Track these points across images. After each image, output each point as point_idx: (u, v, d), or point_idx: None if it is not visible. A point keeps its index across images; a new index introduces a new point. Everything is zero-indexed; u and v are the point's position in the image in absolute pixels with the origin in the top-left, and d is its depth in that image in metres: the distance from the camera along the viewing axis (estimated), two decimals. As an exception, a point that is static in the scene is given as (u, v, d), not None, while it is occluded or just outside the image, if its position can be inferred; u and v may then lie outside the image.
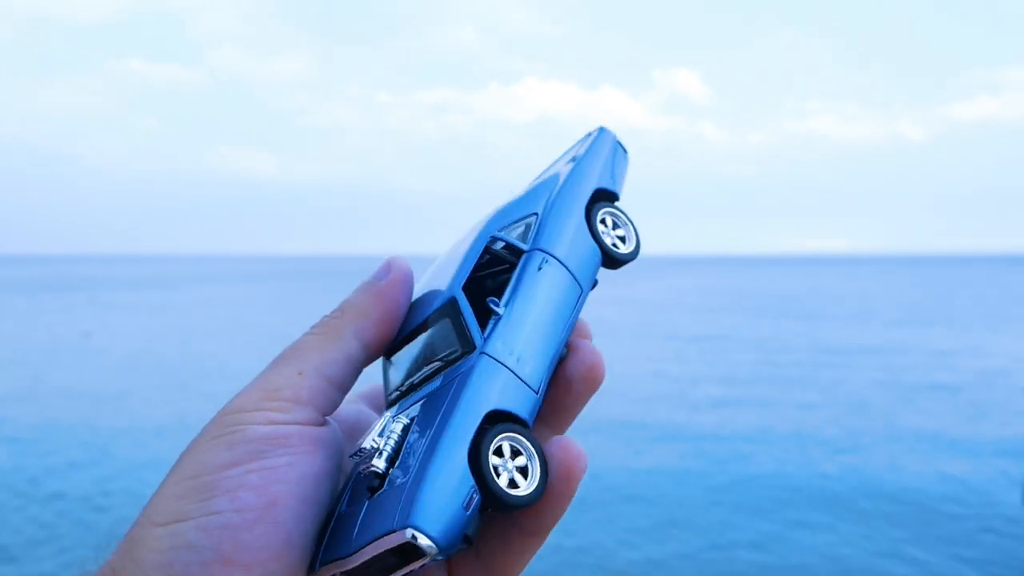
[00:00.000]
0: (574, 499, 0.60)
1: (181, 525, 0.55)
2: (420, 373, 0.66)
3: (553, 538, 0.63)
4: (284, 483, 0.57)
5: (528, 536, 0.61)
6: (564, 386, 0.66)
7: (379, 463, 0.59)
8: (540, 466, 0.59)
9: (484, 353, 0.62)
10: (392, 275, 0.67)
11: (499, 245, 0.68)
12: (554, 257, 0.67)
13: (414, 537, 0.53)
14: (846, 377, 16.08)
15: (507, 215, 0.70)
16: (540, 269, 0.66)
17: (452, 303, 0.65)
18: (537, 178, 0.77)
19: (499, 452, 0.58)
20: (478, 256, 0.67)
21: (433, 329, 0.66)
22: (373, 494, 0.59)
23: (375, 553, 0.55)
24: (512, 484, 0.57)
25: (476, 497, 0.56)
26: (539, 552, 0.63)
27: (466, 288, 0.66)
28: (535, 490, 0.58)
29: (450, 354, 0.64)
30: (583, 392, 0.66)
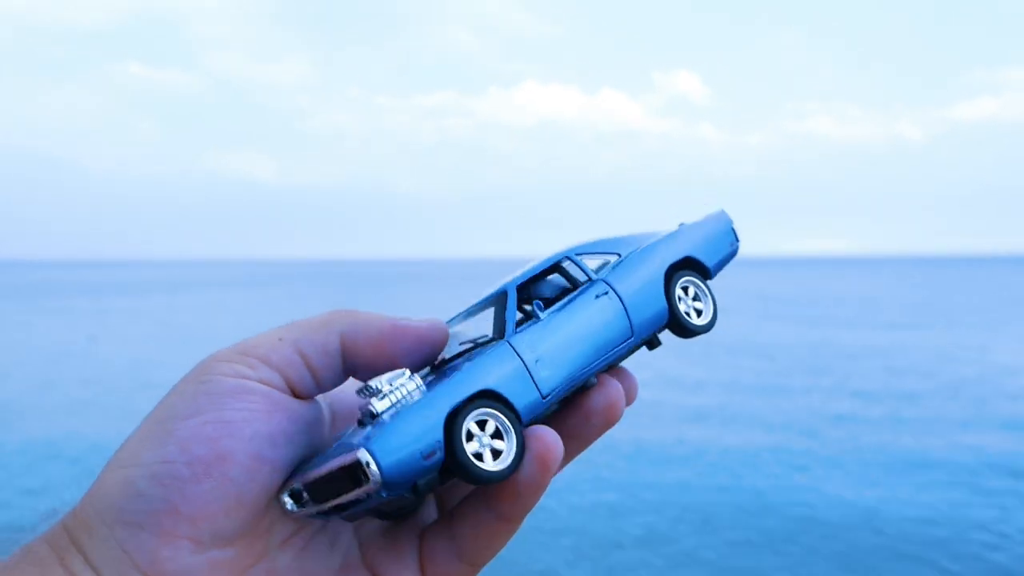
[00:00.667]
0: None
1: (135, 471, 0.57)
2: (455, 350, 0.70)
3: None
4: (236, 439, 0.58)
5: (501, 521, 0.63)
6: (584, 415, 0.68)
7: (377, 403, 0.61)
8: (515, 453, 0.61)
9: (508, 342, 0.66)
10: (420, 322, 0.66)
11: (570, 267, 0.72)
12: (616, 293, 0.70)
13: (367, 463, 0.56)
14: (848, 380, 16.07)
15: (593, 247, 0.75)
16: (597, 297, 0.70)
17: (502, 295, 0.69)
18: (635, 233, 0.80)
19: (481, 427, 0.61)
20: (546, 267, 0.72)
21: (463, 327, 0.71)
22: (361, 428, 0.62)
23: (330, 469, 0.58)
24: (480, 457, 0.60)
25: (440, 454, 0.59)
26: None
27: (523, 289, 0.71)
28: (501, 470, 0.60)
29: (482, 338, 0.68)
30: (599, 425, 0.68)
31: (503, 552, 0.65)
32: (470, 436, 0.60)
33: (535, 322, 0.67)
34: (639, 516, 7.83)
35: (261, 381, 0.61)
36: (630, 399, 0.70)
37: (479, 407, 0.61)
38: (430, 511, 0.70)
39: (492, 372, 0.63)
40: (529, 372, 0.65)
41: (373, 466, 0.56)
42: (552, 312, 0.68)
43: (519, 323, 0.69)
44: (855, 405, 13.24)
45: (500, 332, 0.67)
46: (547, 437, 0.61)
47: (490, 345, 0.66)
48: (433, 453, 0.59)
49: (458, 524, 0.64)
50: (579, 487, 8.43)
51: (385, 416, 0.60)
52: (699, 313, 0.74)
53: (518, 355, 0.65)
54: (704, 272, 0.76)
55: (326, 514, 0.61)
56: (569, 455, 0.68)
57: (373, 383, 0.62)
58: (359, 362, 0.65)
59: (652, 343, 0.73)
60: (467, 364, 0.64)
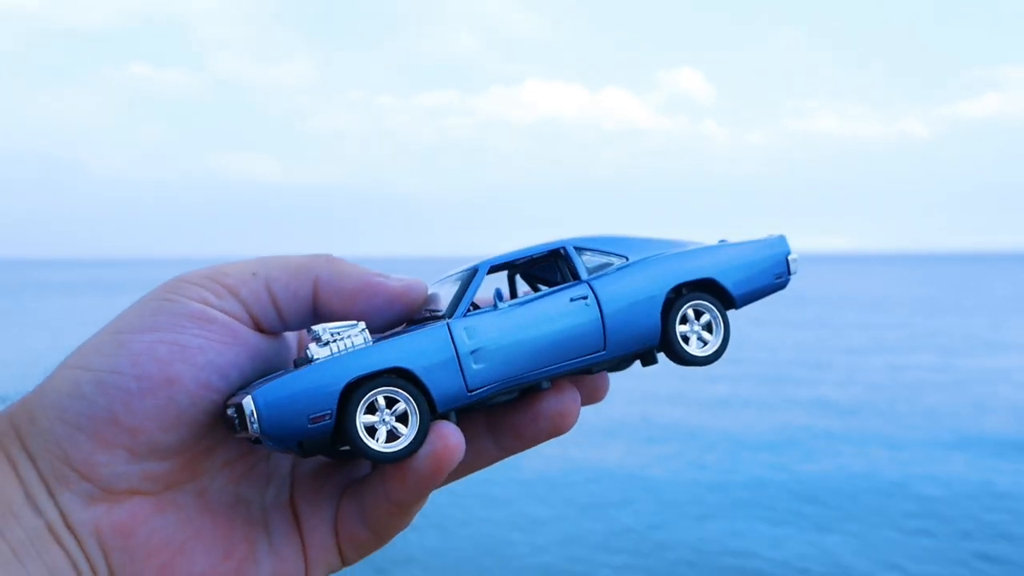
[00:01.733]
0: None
1: (83, 374, 0.58)
2: (417, 321, 0.67)
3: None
4: (188, 364, 0.59)
5: (393, 504, 0.62)
6: (532, 416, 0.65)
7: (315, 349, 0.60)
8: (412, 440, 0.59)
9: (447, 324, 0.62)
10: (398, 283, 0.64)
11: (563, 259, 0.67)
12: (596, 299, 0.65)
13: (248, 407, 0.57)
14: (856, 375, 16.06)
15: (598, 243, 0.68)
16: (572, 300, 0.64)
17: (472, 272, 0.66)
18: (683, 240, 0.74)
19: (390, 405, 0.60)
20: (533, 254, 0.67)
21: (453, 288, 0.67)
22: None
23: (228, 403, 0.59)
24: (373, 433, 0.59)
25: (329, 420, 0.58)
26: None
27: (513, 272, 0.69)
28: (389, 452, 0.59)
29: (435, 313, 0.65)
30: (545, 429, 0.65)
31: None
32: (373, 408, 0.59)
33: (490, 310, 0.64)
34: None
35: (224, 311, 0.61)
36: (594, 399, 0.68)
37: (387, 384, 0.59)
38: (366, 465, 0.69)
39: (415, 351, 0.60)
40: (460, 361, 0.61)
41: (255, 415, 0.57)
42: (513, 305, 0.64)
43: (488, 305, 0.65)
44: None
45: (450, 312, 0.63)
46: (451, 437, 0.60)
47: (434, 322, 0.63)
48: (322, 418, 0.58)
49: (367, 491, 0.64)
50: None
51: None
52: (703, 343, 0.68)
53: (452, 341, 0.61)
54: (727, 300, 0.69)
55: (256, 441, 0.60)
56: (508, 451, 0.67)
57: (317, 328, 0.61)
58: (328, 311, 0.64)
59: (646, 359, 0.68)
60: (404, 335, 0.62)
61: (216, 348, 0.60)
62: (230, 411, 0.60)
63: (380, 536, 0.65)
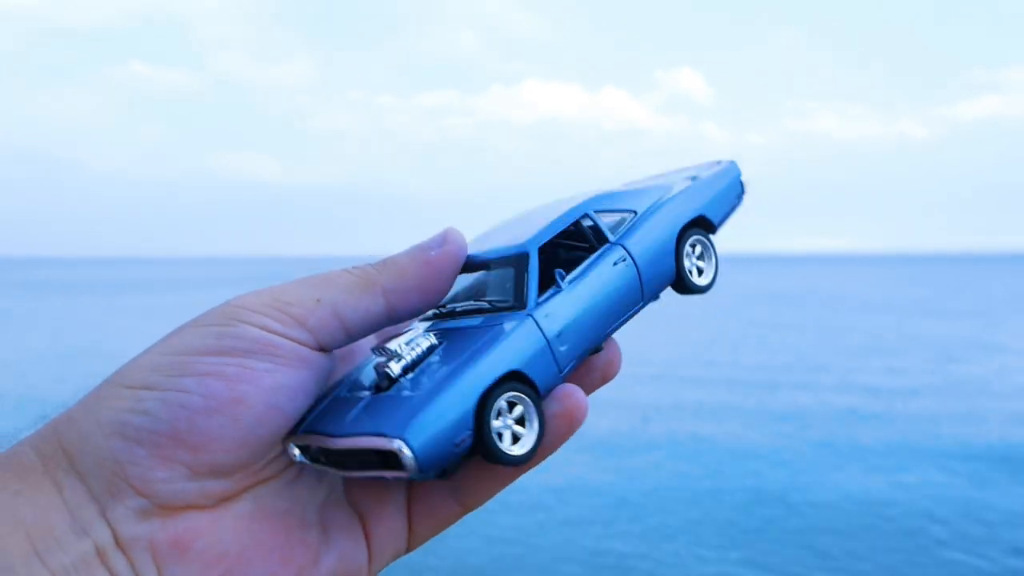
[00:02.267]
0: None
1: (146, 392, 0.56)
2: (465, 304, 0.68)
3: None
4: (256, 386, 0.57)
5: (503, 472, 0.64)
6: (584, 369, 0.69)
7: (395, 367, 0.61)
8: (537, 434, 0.61)
9: (531, 316, 0.63)
10: (447, 247, 0.64)
11: (588, 224, 0.69)
12: (633, 260, 0.69)
13: (401, 450, 0.55)
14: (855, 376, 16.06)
15: (608, 201, 0.72)
16: (615, 264, 0.68)
17: (523, 257, 0.66)
18: (648, 179, 0.80)
19: (509, 408, 0.61)
20: (566, 225, 0.69)
21: (496, 272, 0.67)
22: (378, 392, 0.61)
23: (360, 447, 0.58)
24: (501, 437, 0.60)
25: (469, 441, 0.58)
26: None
27: (541, 250, 0.67)
28: (525, 454, 0.60)
29: (501, 302, 0.66)
30: (596, 380, 0.70)
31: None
32: (498, 415, 0.60)
33: (556, 291, 0.65)
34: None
35: (291, 339, 0.59)
36: (609, 376, 0.71)
37: (508, 391, 0.60)
38: None
39: (519, 352, 0.61)
40: (551, 349, 0.63)
41: (408, 457, 0.55)
42: (572, 281, 0.66)
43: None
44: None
45: (521, 301, 0.64)
46: (575, 393, 0.63)
47: (509, 313, 0.64)
48: (463, 442, 0.58)
49: (469, 463, 0.63)
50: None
51: (405, 384, 0.60)
52: (701, 272, 0.74)
53: (542, 332, 0.63)
54: (711, 228, 0.76)
55: (322, 467, 0.61)
56: None
57: (391, 346, 0.61)
58: (400, 313, 0.64)
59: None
60: (490, 336, 0.62)
61: (284, 371, 0.59)
62: (294, 449, 0.60)
63: (469, 506, 0.66)
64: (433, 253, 0.64)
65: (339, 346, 0.63)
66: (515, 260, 0.66)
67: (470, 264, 0.67)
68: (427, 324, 0.68)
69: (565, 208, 0.70)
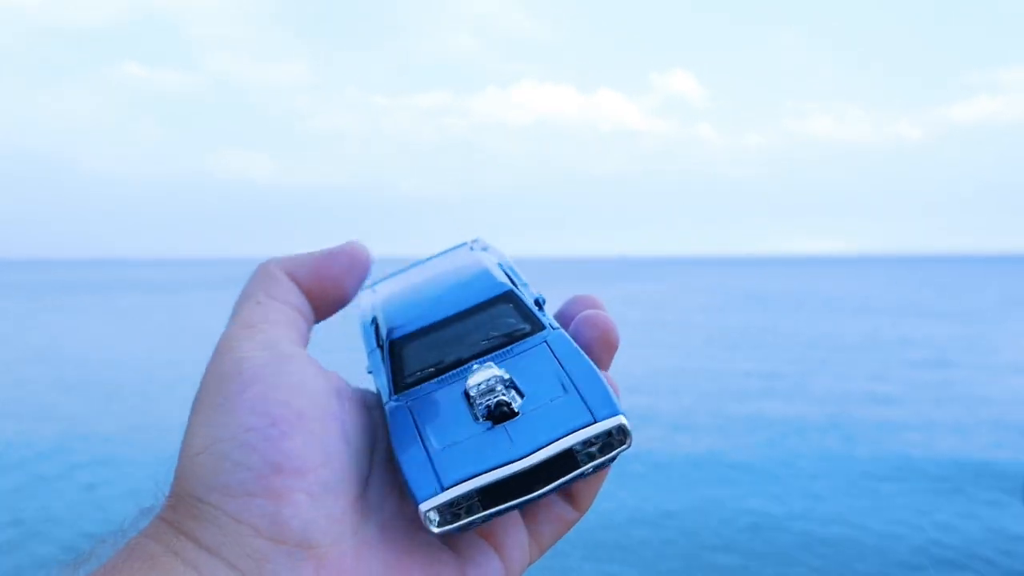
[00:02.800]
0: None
1: (220, 447, 0.55)
2: (474, 348, 0.67)
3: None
4: (305, 396, 0.58)
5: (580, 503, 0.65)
6: None
7: (509, 396, 0.60)
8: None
9: (559, 330, 0.65)
10: (349, 246, 0.69)
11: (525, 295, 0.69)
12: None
13: (623, 423, 0.56)
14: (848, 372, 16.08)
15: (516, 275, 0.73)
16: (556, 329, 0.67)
17: (510, 293, 0.67)
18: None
19: None
20: (511, 273, 0.72)
21: (484, 315, 0.67)
22: (496, 423, 0.59)
23: (561, 449, 0.56)
24: None
25: None
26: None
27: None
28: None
29: (516, 332, 0.66)
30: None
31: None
32: None
33: (543, 311, 0.69)
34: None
35: (290, 341, 0.62)
36: None
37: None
38: None
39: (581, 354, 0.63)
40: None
41: (629, 425, 0.56)
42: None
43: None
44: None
45: (538, 325, 0.66)
46: (605, 318, 0.66)
47: (534, 335, 0.65)
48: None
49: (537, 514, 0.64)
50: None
51: (525, 406, 0.59)
52: None
53: (569, 338, 0.65)
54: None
55: (472, 523, 0.58)
56: None
57: (474, 383, 0.61)
58: (313, 291, 0.67)
59: None
60: (557, 349, 0.63)
61: (312, 376, 0.60)
62: (431, 514, 0.57)
63: (583, 509, 0.66)
64: (335, 247, 0.68)
65: (303, 333, 0.65)
66: (502, 299, 0.67)
67: (433, 327, 0.68)
68: (448, 374, 0.66)
69: (494, 262, 0.73)
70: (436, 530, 0.57)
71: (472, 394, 0.61)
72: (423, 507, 0.56)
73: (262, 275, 0.67)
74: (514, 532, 0.64)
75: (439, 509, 0.57)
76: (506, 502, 0.57)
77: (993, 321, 28.57)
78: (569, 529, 0.67)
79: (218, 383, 0.59)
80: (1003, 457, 9.92)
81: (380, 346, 0.69)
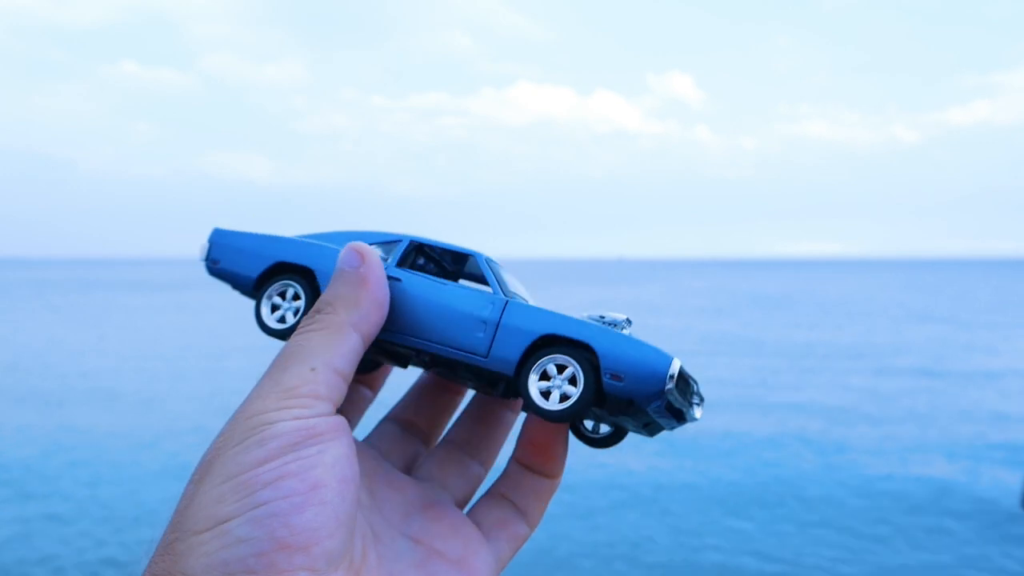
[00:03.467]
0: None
1: (228, 524, 0.55)
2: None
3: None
4: (323, 467, 0.58)
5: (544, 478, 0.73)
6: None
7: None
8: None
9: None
10: (366, 258, 0.69)
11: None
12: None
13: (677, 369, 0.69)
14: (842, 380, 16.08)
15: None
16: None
17: (475, 259, 0.78)
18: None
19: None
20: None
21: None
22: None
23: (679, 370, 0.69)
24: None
25: None
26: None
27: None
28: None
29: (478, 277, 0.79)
30: None
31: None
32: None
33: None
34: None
35: (319, 415, 0.61)
36: None
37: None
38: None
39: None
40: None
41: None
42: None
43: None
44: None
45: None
46: None
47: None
48: None
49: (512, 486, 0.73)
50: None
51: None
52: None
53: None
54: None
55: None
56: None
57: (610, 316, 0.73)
58: (371, 335, 0.69)
59: None
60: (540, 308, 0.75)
61: (333, 445, 0.60)
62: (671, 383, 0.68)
63: (537, 522, 0.74)
64: (362, 270, 0.68)
65: (344, 395, 0.65)
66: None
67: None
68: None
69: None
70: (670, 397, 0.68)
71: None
72: (673, 368, 0.68)
73: (329, 330, 0.66)
74: (483, 552, 0.69)
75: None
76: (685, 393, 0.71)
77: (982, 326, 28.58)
78: (522, 545, 0.72)
79: (235, 454, 0.58)
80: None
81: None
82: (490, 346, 0.71)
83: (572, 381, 0.70)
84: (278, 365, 0.63)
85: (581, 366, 0.70)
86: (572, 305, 0.85)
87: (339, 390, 0.63)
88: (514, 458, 0.74)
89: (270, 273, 0.78)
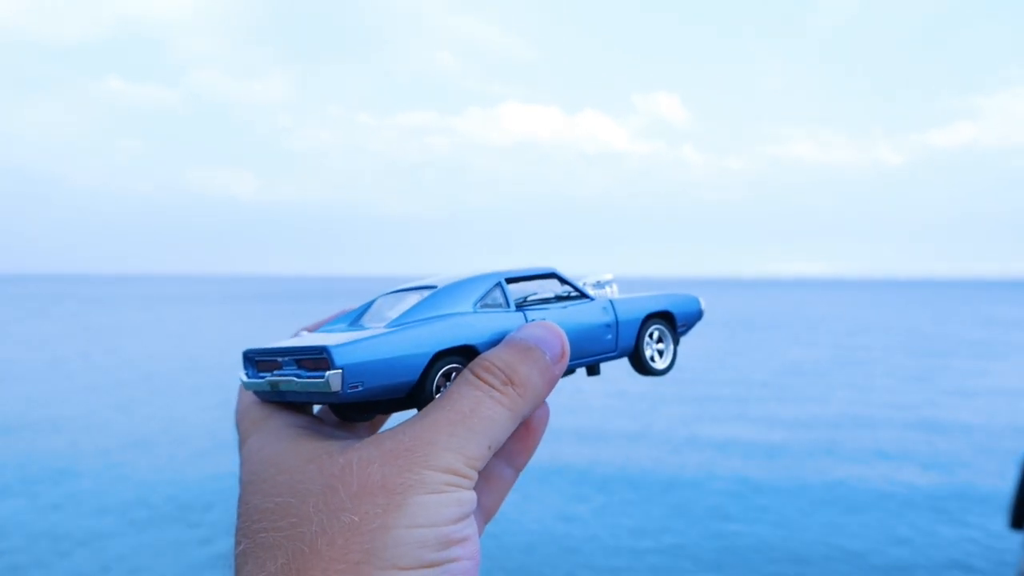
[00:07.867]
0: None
1: (428, 571, 0.64)
2: (532, 298, 0.87)
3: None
4: (477, 529, 0.71)
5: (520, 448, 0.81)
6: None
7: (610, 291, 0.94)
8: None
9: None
10: (564, 360, 0.75)
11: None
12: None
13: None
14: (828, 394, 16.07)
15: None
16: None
17: (553, 272, 0.88)
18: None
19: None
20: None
21: (531, 283, 0.87)
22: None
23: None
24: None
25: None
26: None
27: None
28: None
29: (569, 295, 0.89)
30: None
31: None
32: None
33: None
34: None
35: (474, 490, 0.70)
36: None
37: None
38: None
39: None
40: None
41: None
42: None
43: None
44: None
45: (587, 296, 0.89)
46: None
47: (585, 299, 0.89)
48: None
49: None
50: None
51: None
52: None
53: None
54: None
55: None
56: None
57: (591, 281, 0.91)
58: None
59: None
60: (624, 301, 0.92)
61: (478, 512, 0.74)
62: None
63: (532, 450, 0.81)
64: (557, 371, 0.74)
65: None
66: (549, 275, 0.88)
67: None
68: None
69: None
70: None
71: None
72: (703, 302, 0.99)
73: (512, 412, 0.75)
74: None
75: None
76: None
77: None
78: (509, 489, 0.79)
79: (438, 504, 0.65)
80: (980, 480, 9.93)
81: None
82: (616, 341, 0.88)
83: (657, 340, 0.94)
84: (465, 420, 0.69)
85: (667, 329, 0.95)
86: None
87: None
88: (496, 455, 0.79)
89: (429, 367, 0.76)
